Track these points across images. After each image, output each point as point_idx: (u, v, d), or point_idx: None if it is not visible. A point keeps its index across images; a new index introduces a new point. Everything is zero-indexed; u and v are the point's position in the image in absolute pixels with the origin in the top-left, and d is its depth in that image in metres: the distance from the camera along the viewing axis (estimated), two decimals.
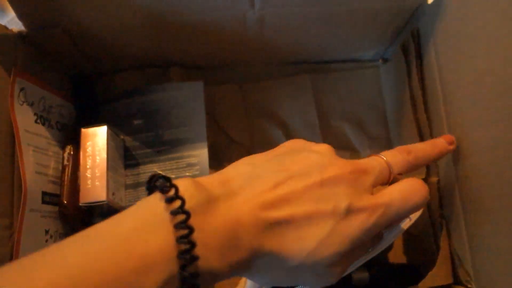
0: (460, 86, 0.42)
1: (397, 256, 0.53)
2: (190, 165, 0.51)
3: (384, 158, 0.33)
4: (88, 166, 0.47)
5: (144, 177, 0.52)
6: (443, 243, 0.44)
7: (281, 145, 0.34)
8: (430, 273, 0.42)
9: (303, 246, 0.27)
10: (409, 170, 0.34)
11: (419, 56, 0.49)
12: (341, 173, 0.29)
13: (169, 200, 0.23)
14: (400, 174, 0.34)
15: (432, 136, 0.47)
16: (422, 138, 0.48)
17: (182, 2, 0.44)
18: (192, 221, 0.23)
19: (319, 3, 0.46)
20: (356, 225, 0.28)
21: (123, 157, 0.52)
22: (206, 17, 0.47)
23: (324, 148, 0.32)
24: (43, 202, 0.44)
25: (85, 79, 0.58)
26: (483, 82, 0.38)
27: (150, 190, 0.25)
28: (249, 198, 0.26)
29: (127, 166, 0.53)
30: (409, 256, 0.53)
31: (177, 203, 0.23)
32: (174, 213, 0.23)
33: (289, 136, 0.57)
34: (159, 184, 0.25)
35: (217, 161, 0.56)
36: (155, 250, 0.22)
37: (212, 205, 0.25)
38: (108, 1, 0.43)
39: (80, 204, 0.46)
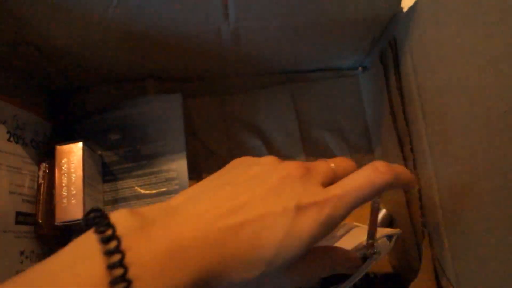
0: (437, 94, 0.41)
1: (380, 265, 0.53)
2: (169, 180, 0.51)
3: (331, 164, 0.32)
4: (63, 184, 0.46)
5: (123, 193, 0.51)
6: (425, 251, 0.43)
7: (227, 165, 0.33)
8: (413, 282, 0.42)
9: (261, 254, 0.25)
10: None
11: (397, 65, 0.49)
12: (286, 174, 0.28)
13: (100, 231, 0.22)
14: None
15: (412, 144, 0.47)
16: (402, 147, 0.48)
17: (154, 16, 0.44)
18: (125, 246, 0.22)
19: (294, 15, 0.45)
20: (310, 220, 0.27)
21: (101, 173, 0.51)
22: (179, 31, 0.46)
23: (267, 159, 0.32)
24: (17, 222, 0.43)
25: (61, 95, 0.57)
26: (458, 90, 0.38)
27: (85, 225, 0.24)
28: (191, 215, 0.25)
29: (105, 182, 0.52)
30: (392, 264, 0.52)
31: (109, 232, 0.22)
32: (104, 241, 0.22)
33: (269, 146, 0.56)
34: (92, 217, 0.24)
35: (196, 173, 0.55)
36: (87, 282, 0.21)
37: (148, 228, 0.24)
38: (78, 18, 0.43)
39: (56, 223, 0.45)
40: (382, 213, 0.53)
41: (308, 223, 0.27)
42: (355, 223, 0.46)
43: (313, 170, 0.30)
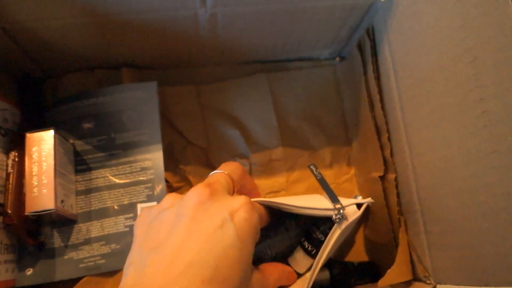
0: (413, 83, 0.42)
1: (357, 253, 0.53)
2: (144, 169, 0.49)
3: (223, 171, 0.37)
4: (34, 173, 0.44)
5: (96, 182, 0.50)
6: (402, 239, 0.44)
7: (136, 225, 0.35)
8: (389, 270, 0.42)
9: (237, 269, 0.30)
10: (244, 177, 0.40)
11: (375, 54, 0.49)
12: (199, 195, 0.32)
13: None
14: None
15: (389, 133, 0.47)
16: (379, 136, 0.48)
17: (130, 1, 0.42)
18: None
19: (271, 2, 0.45)
20: (243, 220, 0.31)
21: (73, 162, 0.50)
22: (155, 16, 0.45)
23: (168, 200, 0.34)
24: None
25: (32, 82, 0.55)
26: (435, 79, 0.38)
27: None
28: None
29: (77, 172, 0.50)
30: (369, 253, 0.53)
31: None
32: None
33: (246, 136, 0.56)
34: None
35: (174, 163, 0.54)
36: None
37: None
38: (46, 2, 0.41)
39: (26, 214, 0.43)
40: (358, 200, 0.53)
41: (243, 224, 0.31)
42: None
43: (215, 183, 0.34)
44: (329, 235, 0.38)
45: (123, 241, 0.47)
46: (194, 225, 0.30)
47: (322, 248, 0.38)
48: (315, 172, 0.45)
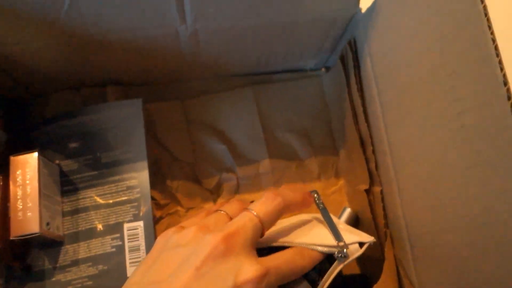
0: (395, 95, 0.42)
1: (348, 266, 0.53)
2: (130, 188, 0.49)
3: (254, 213, 0.33)
4: (18, 197, 0.44)
5: (83, 203, 0.49)
6: (388, 253, 0.44)
7: (153, 247, 0.33)
8: (376, 284, 0.42)
9: None
10: (279, 217, 0.35)
11: (357, 66, 0.49)
12: (213, 249, 0.29)
13: None
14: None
15: (374, 146, 0.47)
16: (364, 148, 0.48)
17: (108, 20, 0.43)
18: None
19: (252, 16, 0.45)
20: None
21: (59, 183, 0.50)
22: (136, 35, 0.45)
23: (189, 235, 0.32)
24: None
25: (16, 103, 0.55)
26: (415, 91, 0.38)
27: None
28: None
29: (64, 192, 0.50)
30: (359, 265, 0.52)
31: None
32: None
33: (233, 150, 0.56)
34: None
35: (160, 180, 0.54)
36: None
37: None
38: (28, 23, 0.41)
39: (11, 238, 0.43)
40: (348, 212, 0.53)
41: None
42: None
43: (239, 233, 0.31)
44: (329, 271, 0.37)
45: (110, 262, 0.47)
46: (196, 278, 0.28)
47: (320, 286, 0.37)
48: (317, 201, 0.44)
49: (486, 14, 0.31)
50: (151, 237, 0.48)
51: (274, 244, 0.37)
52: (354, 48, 0.49)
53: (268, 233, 0.39)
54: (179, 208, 0.54)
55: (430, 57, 0.36)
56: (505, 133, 0.29)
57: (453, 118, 0.34)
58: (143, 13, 0.43)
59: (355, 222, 0.53)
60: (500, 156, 0.30)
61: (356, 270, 0.52)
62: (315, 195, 0.45)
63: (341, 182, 0.56)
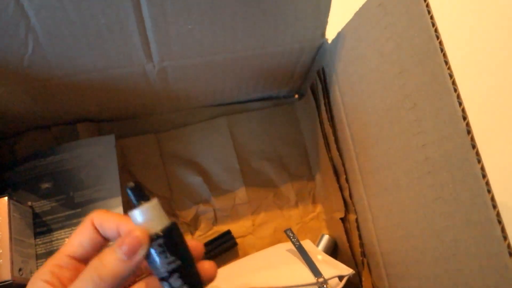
0: (362, 126, 0.42)
1: None
2: None
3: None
4: None
5: (57, 244, 0.49)
6: (365, 281, 0.44)
7: None
8: None
9: None
10: None
11: (327, 95, 0.49)
12: None
13: None
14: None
15: (346, 174, 0.47)
16: (338, 177, 0.48)
17: (73, 63, 0.42)
18: None
19: (219, 52, 0.45)
20: None
21: (31, 225, 0.49)
22: (104, 75, 0.45)
23: None
24: None
25: None
26: (380, 123, 0.38)
27: None
28: None
29: (37, 234, 0.49)
30: None
31: None
32: None
33: (209, 181, 0.56)
34: None
35: None
36: None
37: None
38: None
39: None
40: (326, 239, 0.53)
41: None
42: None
43: None
44: None
45: None
46: None
47: None
48: (293, 240, 0.44)
49: (442, 50, 0.31)
50: None
51: None
52: (323, 77, 0.49)
53: (246, 274, 0.39)
54: None
55: (393, 90, 0.36)
56: (466, 166, 0.29)
57: (417, 151, 0.34)
58: (109, 54, 0.42)
59: (333, 248, 0.53)
60: (463, 189, 0.30)
61: None
62: (290, 233, 0.45)
63: (319, 208, 0.56)
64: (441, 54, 0.31)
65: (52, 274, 0.26)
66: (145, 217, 0.25)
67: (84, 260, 0.27)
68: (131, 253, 0.24)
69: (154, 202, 0.26)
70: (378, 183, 0.40)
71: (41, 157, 0.52)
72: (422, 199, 0.34)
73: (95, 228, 0.27)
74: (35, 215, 0.50)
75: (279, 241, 0.54)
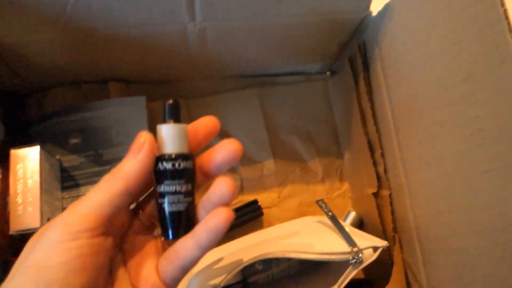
0: (406, 99, 0.41)
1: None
2: None
3: None
4: (18, 191, 0.43)
5: None
6: (397, 257, 0.43)
7: None
8: (387, 286, 0.41)
9: None
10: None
11: (366, 69, 0.48)
12: None
13: None
14: None
15: (383, 149, 0.46)
16: (372, 152, 0.48)
17: (116, 15, 0.42)
18: None
19: (261, 16, 0.44)
20: None
21: (59, 178, 0.49)
22: (143, 31, 0.44)
23: None
24: None
25: (17, 97, 0.54)
26: (428, 95, 0.38)
27: None
28: None
29: (64, 188, 0.49)
30: (364, 270, 0.52)
31: None
32: None
33: None
34: None
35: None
36: None
37: None
38: (32, 15, 0.40)
39: (11, 233, 0.42)
40: (352, 216, 0.53)
41: None
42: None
43: None
44: (343, 276, 0.37)
45: None
46: None
47: None
48: (325, 210, 0.44)
49: (507, 18, 0.30)
50: None
51: (287, 255, 0.36)
52: (363, 51, 0.48)
53: (279, 242, 0.38)
54: None
55: (445, 61, 0.35)
56: None
57: (469, 122, 0.33)
58: (153, 9, 0.42)
59: (359, 226, 0.52)
60: None
61: (362, 275, 0.52)
62: (322, 203, 0.44)
63: (345, 186, 0.56)
64: (505, 22, 0.30)
65: None
66: (167, 134, 0.27)
67: None
68: (137, 149, 0.26)
69: (182, 126, 0.27)
70: (420, 157, 0.40)
71: (70, 113, 0.51)
72: (470, 172, 0.33)
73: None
74: (63, 169, 0.49)
75: (303, 214, 0.53)
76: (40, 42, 0.45)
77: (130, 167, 0.26)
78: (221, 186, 0.27)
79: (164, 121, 0.28)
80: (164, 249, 0.28)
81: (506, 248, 0.31)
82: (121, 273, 0.27)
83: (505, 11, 0.31)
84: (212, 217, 0.26)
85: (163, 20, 0.44)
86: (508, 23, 0.31)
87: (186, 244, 0.27)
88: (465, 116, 0.34)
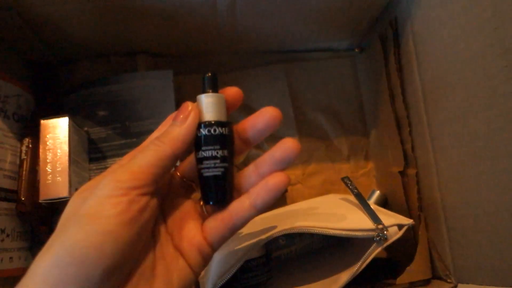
0: (438, 75, 0.40)
1: None
2: None
3: None
4: (48, 160, 0.44)
5: None
6: (421, 236, 0.43)
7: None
8: (408, 268, 0.41)
9: None
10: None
11: (398, 45, 0.47)
12: None
13: None
14: None
15: (411, 127, 0.45)
16: (400, 130, 0.47)
17: None
18: None
19: None
20: None
21: (87, 150, 0.49)
22: (172, 1, 0.44)
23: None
24: None
25: (46, 68, 0.54)
26: (463, 70, 0.37)
27: None
28: None
29: (91, 160, 0.49)
30: (388, 249, 0.51)
31: None
32: None
33: None
34: None
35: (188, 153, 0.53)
36: None
37: None
38: None
39: (40, 201, 0.43)
40: (377, 194, 0.52)
41: None
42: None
43: None
44: (367, 253, 0.37)
45: None
46: None
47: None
48: (350, 187, 0.43)
49: None
50: None
51: (311, 230, 0.36)
52: (395, 27, 0.47)
53: (304, 217, 0.38)
54: None
55: (482, 35, 0.34)
56: None
57: (505, 99, 0.32)
58: None
59: (383, 205, 0.52)
60: None
61: (384, 254, 0.51)
62: (347, 180, 0.44)
63: (370, 165, 0.55)
64: None
65: None
66: (206, 103, 0.29)
67: None
68: (184, 117, 0.28)
69: (220, 96, 0.30)
70: (450, 135, 0.39)
71: (99, 85, 0.52)
72: (504, 149, 0.32)
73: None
74: (91, 141, 0.50)
75: (327, 192, 0.53)
76: (70, 11, 0.45)
77: (178, 133, 0.28)
78: (288, 143, 0.29)
79: (203, 92, 0.29)
80: (203, 213, 0.30)
81: None
82: (163, 235, 0.28)
83: None
84: (273, 177, 0.28)
85: None
86: None
87: (242, 203, 0.29)
88: (500, 92, 0.32)
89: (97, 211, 0.24)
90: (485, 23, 0.34)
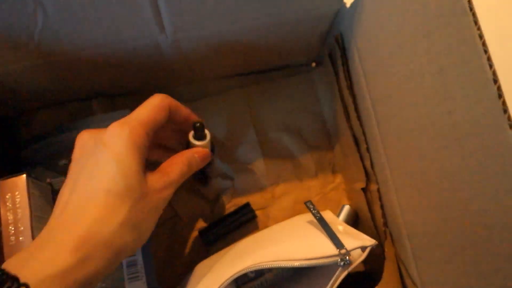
0: (384, 92, 0.40)
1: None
2: None
3: None
4: (10, 221, 0.43)
5: None
6: (388, 252, 0.43)
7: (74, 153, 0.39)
8: (379, 284, 0.41)
9: None
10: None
11: (346, 62, 0.47)
12: None
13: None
14: None
15: (367, 143, 0.45)
16: (358, 146, 0.47)
17: (84, 37, 0.41)
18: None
19: (233, 21, 0.43)
20: None
21: (51, 202, 0.49)
22: (115, 48, 0.44)
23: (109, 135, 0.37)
24: None
25: (3, 121, 0.54)
26: (403, 89, 0.37)
27: None
28: None
29: None
30: (365, 263, 0.52)
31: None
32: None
33: (226, 153, 0.55)
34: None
35: None
36: None
37: None
38: (3, 46, 0.40)
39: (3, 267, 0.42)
40: (347, 209, 0.52)
41: None
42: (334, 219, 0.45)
43: None
44: (333, 279, 0.37)
45: (109, 279, 0.46)
46: None
47: None
48: (313, 212, 0.43)
49: (471, 9, 0.29)
50: (147, 251, 0.47)
51: (273, 265, 0.37)
52: (341, 43, 0.47)
53: (267, 250, 0.38)
54: (177, 219, 0.53)
55: (417, 54, 0.34)
56: (495, 133, 0.28)
57: (443, 118, 0.32)
58: (120, 26, 0.41)
59: (354, 219, 0.52)
60: (492, 157, 0.28)
61: (360, 267, 0.51)
62: (310, 205, 0.44)
63: (339, 178, 0.55)
64: (470, 14, 0.29)
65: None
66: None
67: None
68: (205, 160, 0.41)
69: (207, 140, 0.42)
70: (401, 152, 0.39)
71: (57, 134, 0.51)
72: (448, 168, 0.33)
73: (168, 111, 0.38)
74: (55, 192, 0.50)
75: (299, 212, 0.53)
76: (16, 71, 0.45)
77: (198, 165, 0.40)
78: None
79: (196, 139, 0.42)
80: None
81: (486, 247, 0.30)
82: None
83: (470, 2, 0.30)
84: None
85: (133, 36, 0.43)
86: (473, 14, 0.30)
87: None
88: (439, 111, 0.33)
89: (120, 150, 0.34)
90: (419, 43, 0.34)
